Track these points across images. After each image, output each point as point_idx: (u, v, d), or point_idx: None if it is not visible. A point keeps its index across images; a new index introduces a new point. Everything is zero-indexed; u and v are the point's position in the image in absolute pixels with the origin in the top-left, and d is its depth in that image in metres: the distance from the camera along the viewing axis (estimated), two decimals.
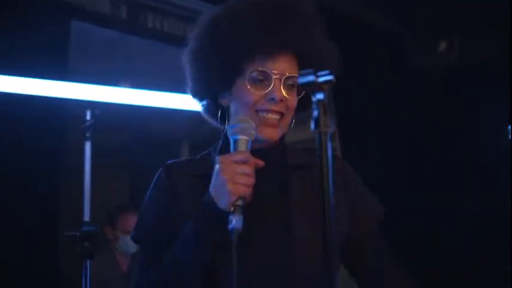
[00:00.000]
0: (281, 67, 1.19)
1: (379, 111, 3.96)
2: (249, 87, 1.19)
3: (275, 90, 1.18)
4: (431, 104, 4.25)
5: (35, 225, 2.41)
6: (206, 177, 1.17)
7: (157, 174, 1.29)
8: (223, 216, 1.08)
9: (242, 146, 1.13)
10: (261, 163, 1.14)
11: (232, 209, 1.06)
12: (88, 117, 2.19)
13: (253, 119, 1.18)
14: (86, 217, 2.15)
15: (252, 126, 1.15)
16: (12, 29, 2.48)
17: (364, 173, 1.36)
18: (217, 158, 1.13)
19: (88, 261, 2.15)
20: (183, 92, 2.65)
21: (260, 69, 1.18)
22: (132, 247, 3.52)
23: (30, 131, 2.44)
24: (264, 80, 1.19)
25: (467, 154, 3.69)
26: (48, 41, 2.52)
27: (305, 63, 1.18)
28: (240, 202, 1.07)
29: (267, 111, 1.19)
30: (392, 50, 4.54)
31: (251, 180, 1.10)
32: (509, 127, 2.97)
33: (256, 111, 1.19)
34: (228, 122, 1.23)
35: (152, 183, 1.29)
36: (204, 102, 1.32)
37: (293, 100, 1.22)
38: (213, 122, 1.34)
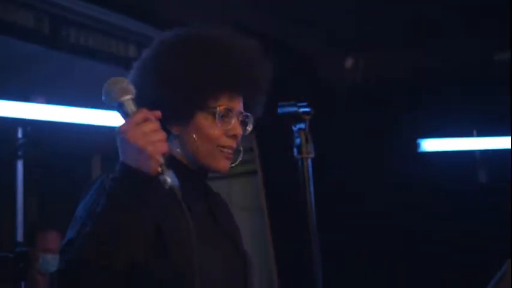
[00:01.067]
0: (238, 106, 1.28)
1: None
2: (215, 122, 1.24)
3: (237, 127, 1.26)
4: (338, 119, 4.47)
5: None
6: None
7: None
8: (150, 180, 1.06)
9: (132, 106, 1.07)
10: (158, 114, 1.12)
11: (160, 169, 1.04)
12: (20, 135, 2.14)
13: (213, 152, 1.25)
14: (19, 237, 2.10)
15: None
16: None
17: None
18: (117, 129, 1.07)
19: (22, 284, 2.10)
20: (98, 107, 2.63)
21: (227, 107, 1.25)
22: (52, 266, 3.44)
23: None
24: (226, 116, 1.25)
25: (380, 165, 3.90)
26: None
27: (246, 107, 1.30)
28: (162, 160, 1.04)
29: (228, 147, 1.25)
30: (303, 67, 4.75)
31: (163, 134, 1.07)
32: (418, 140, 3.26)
33: (217, 146, 1.25)
34: (185, 147, 1.26)
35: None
36: None
37: (240, 137, 1.30)
38: None
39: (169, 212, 1.17)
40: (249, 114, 1.29)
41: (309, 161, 0.96)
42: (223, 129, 1.25)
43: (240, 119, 1.29)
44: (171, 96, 1.24)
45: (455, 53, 4.15)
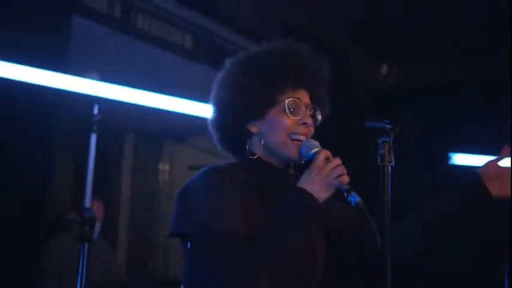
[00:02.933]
0: (305, 99, 1.52)
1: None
2: (285, 113, 1.47)
3: (306, 116, 1.49)
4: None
5: (24, 207, 2.54)
6: (252, 187, 1.45)
7: (213, 175, 1.44)
8: (317, 206, 1.38)
9: (322, 155, 1.41)
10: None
11: (347, 189, 1.34)
12: (95, 111, 2.36)
13: (286, 141, 1.47)
14: (87, 203, 2.32)
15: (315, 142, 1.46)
16: (13, 20, 2.59)
17: None
18: (315, 167, 1.40)
19: (86, 245, 2.33)
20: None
21: (294, 98, 1.48)
22: (96, 233, 3.68)
23: (25, 117, 2.57)
24: (295, 108, 1.49)
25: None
26: (49, 33, 2.65)
27: (313, 102, 1.53)
28: (347, 186, 1.35)
29: (300, 134, 1.48)
30: (338, 68, 4.90)
31: (345, 170, 1.38)
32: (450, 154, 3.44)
33: (288, 134, 1.48)
34: (262, 143, 1.49)
35: (211, 183, 1.42)
36: (222, 131, 1.56)
37: (313, 127, 1.53)
38: (226, 148, 1.59)
39: None
40: (316, 107, 1.52)
41: (389, 168, 1.17)
42: (294, 119, 1.48)
43: (309, 112, 1.51)
44: (244, 99, 1.48)
45: (490, 70, 4.31)
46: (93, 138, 2.34)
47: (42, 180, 2.67)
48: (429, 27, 4.29)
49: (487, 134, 3.81)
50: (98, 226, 3.69)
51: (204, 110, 3.10)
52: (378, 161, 1.20)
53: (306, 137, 1.49)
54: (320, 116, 1.54)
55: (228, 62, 1.57)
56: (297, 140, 1.47)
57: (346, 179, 1.37)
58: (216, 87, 1.56)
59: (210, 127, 1.58)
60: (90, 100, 2.36)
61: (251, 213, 1.40)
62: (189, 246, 1.43)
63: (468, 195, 1.48)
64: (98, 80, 2.50)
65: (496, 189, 1.47)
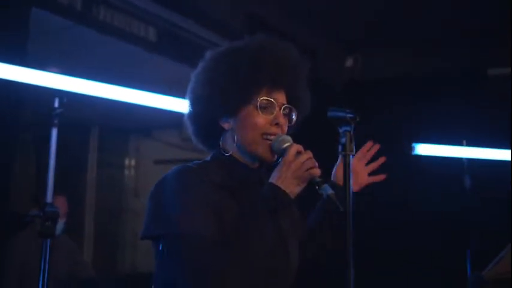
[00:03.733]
0: (280, 99, 1.50)
1: None
2: (258, 112, 1.46)
3: (279, 116, 1.48)
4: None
5: None
6: (224, 187, 1.44)
7: (185, 175, 1.42)
8: (289, 201, 1.38)
9: (293, 149, 1.40)
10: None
11: (318, 182, 1.34)
12: (56, 104, 2.31)
13: (257, 140, 1.46)
14: (49, 198, 2.28)
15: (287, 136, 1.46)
16: None
17: None
18: (285, 161, 1.39)
19: (49, 241, 2.29)
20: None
21: (267, 98, 1.47)
22: (58, 229, 3.61)
23: None
24: (269, 107, 1.47)
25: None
26: (9, 26, 2.58)
27: (290, 102, 1.52)
28: (318, 179, 1.35)
29: (272, 134, 1.46)
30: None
31: (316, 163, 1.38)
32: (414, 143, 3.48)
33: (261, 134, 1.46)
34: (235, 141, 1.48)
35: (183, 183, 1.40)
36: (196, 125, 1.54)
37: (286, 126, 1.51)
38: (200, 142, 1.57)
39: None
40: (291, 106, 1.50)
41: (351, 157, 1.18)
42: (267, 119, 1.46)
43: (283, 111, 1.49)
44: (218, 95, 1.46)
45: (454, 63, 4.39)
46: (54, 132, 2.30)
47: (3, 177, 2.61)
48: (394, 20, 4.34)
49: (450, 124, 3.89)
50: (61, 222, 3.63)
51: (169, 104, 3.10)
52: (339, 150, 1.20)
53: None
54: (295, 116, 1.52)
55: (207, 55, 1.54)
56: (268, 139, 1.46)
57: (317, 171, 1.36)
58: (192, 80, 1.54)
59: (185, 119, 1.56)
60: (50, 93, 2.31)
61: (224, 213, 1.39)
62: (160, 248, 1.42)
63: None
64: (58, 73, 2.45)
65: (355, 185, 1.67)
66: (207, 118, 1.50)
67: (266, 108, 1.46)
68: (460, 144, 3.53)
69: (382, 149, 4.20)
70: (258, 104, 1.45)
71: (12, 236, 3.44)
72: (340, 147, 1.20)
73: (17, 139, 2.79)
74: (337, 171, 1.66)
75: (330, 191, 1.30)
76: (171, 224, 1.36)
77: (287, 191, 1.37)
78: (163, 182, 1.43)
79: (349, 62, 5.22)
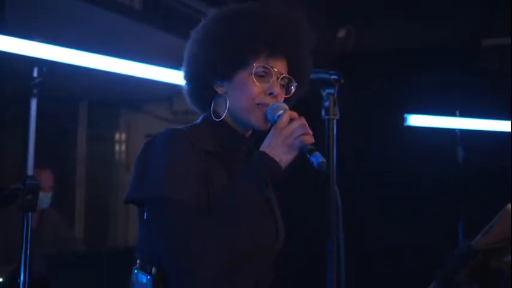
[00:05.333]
0: (279, 68, 1.41)
1: None
2: (253, 80, 1.38)
3: (274, 86, 1.40)
4: None
5: None
6: (213, 153, 1.38)
7: (173, 138, 1.36)
8: (278, 170, 1.32)
9: (285, 116, 1.34)
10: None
11: (310, 150, 1.28)
12: (35, 74, 2.23)
13: (251, 108, 1.39)
14: (30, 171, 2.22)
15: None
16: None
17: None
18: (276, 128, 1.34)
19: (30, 214, 2.23)
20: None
21: (264, 65, 1.39)
22: (43, 203, 3.57)
23: None
24: (265, 76, 1.39)
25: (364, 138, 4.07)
26: None
27: (290, 72, 1.44)
28: (310, 146, 1.29)
29: (265, 104, 1.39)
30: None
31: (309, 130, 1.32)
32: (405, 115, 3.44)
33: (255, 103, 1.40)
34: (226, 107, 1.41)
35: (171, 147, 1.35)
36: (190, 85, 1.49)
37: (283, 98, 1.44)
38: (192, 103, 1.52)
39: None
40: (290, 77, 1.43)
41: (334, 121, 1.11)
42: (262, 87, 1.39)
43: (281, 81, 1.42)
44: (213, 56, 1.39)
45: (447, 33, 4.31)
46: (34, 102, 2.23)
47: None
48: None
49: (441, 95, 3.83)
50: (47, 196, 3.58)
51: (157, 75, 3.03)
52: (323, 115, 1.13)
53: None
54: (294, 88, 1.45)
55: (209, 14, 1.47)
56: (262, 108, 1.40)
57: (309, 138, 1.30)
58: (191, 37, 1.48)
59: (182, 78, 1.51)
60: (29, 62, 2.23)
61: (212, 180, 1.34)
62: (145, 216, 1.37)
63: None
64: (39, 41, 2.37)
65: None
66: (201, 79, 1.45)
67: (262, 76, 1.40)
68: (453, 114, 3.48)
69: (373, 120, 4.17)
70: (254, 71, 1.38)
71: None
72: (323, 111, 1.13)
73: None
74: None
75: (322, 159, 1.23)
76: (154, 187, 1.31)
77: (276, 159, 1.32)
78: (151, 144, 1.37)
79: (341, 33, 5.12)
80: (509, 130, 3.19)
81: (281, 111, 1.35)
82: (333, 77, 1.14)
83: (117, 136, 6.03)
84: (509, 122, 3.21)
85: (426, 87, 3.95)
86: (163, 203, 1.29)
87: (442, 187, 3.79)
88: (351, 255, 1.29)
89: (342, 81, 1.13)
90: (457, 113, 3.49)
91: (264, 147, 1.34)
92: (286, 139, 1.31)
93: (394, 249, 3.95)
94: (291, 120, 1.33)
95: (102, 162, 5.87)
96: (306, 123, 1.31)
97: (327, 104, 1.12)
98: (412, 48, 4.38)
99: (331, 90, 1.13)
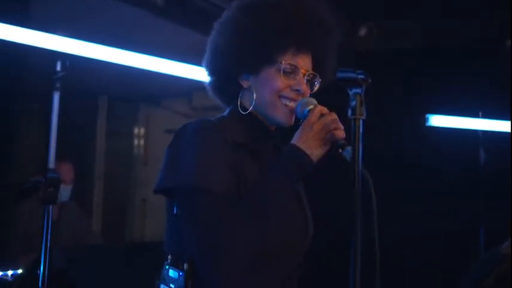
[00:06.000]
0: (305, 64, 1.41)
1: None
2: (280, 76, 1.38)
3: (302, 84, 1.39)
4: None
5: None
6: (242, 145, 1.37)
7: (205, 129, 1.36)
8: (309, 164, 1.31)
9: (316, 111, 1.34)
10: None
11: (342, 145, 1.27)
12: (58, 68, 2.24)
13: (275, 102, 1.39)
14: (51, 165, 2.23)
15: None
16: None
17: None
18: (308, 122, 1.34)
19: (50, 207, 2.24)
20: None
21: (292, 62, 1.38)
22: (63, 196, 3.59)
23: None
24: (292, 72, 1.39)
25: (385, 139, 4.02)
26: None
27: (315, 69, 1.43)
28: (342, 141, 1.28)
29: (291, 99, 1.39)
30: None
31: (341, 125, 1.31)
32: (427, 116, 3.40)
33: (279, 97, 1.39)
34: (253, 101, 1.40)
35: (203, 137, 1.34)
36: (214, 78, 1.48)
37: (308, 94, 1.44)
38: (216, 96, 1.51)
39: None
40: (316, 74, 1.42)
41: (361, 121, 1.10)
42: (288, 83, 1.38)
43: (307, 77, 1.41)
44: (240, 50, 1.38)
45: (471, 33, 4.25)
46: (56, 96, 2.23)
47: (5, 144, 2.55)
48: None
49: (464, 96, 3.78)
50: (67, 189, 3.61)
51: (178, 70, 3.02)
52: (349, 114, 1.12)
53: (293, 101, 1.41)
54: (318, 84, 1.44)
55: (234, 4, 1.45)
56: (287, 103, 1.39)
57: (341, 133, 1.29)
58: (215, 28, 1.46)
59: (203, 69, 1.50)
60: (52, 56, 2.23)
61: (243, 172, 1.33)
62: (175, 210, 1.36)
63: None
64: (62, 35, 2.37)
65: None
66: (226, 73, 1.44)
67: (289, 72, 1.39)
68: (475, 116, 3.43)
69: (395, 120, 4.13)
70: (282, 68, 1.38)
71: (17, 203, 3.42)
72: (349, 111, 1.11)
73: (18, 105, 2.73)
74: None
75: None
76: (185, 177, 1.30)
77: (308, 152, 1.31)
78: (182, 134, 1.37)
79: (362, 31, 5.08)
80: None
81: (311, 106, 1.35)
82: (360, 76, 1.13)
83: (136, 131, 6.06)
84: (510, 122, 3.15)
85: (449, 88, 3.90)
86: (194, 193, 1.28)
87: (463, 189, 3.75)
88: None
89: (369, 81, 1.11)
90: (480, 114, 3.43)
91: (296, 140, 1.33)
92: (318, 133, 1.31)
93: (414, 253, 3.91)
94: (322, 115, 1.33)
95: (121, 156, 5.90)
96: (337, 117, 1.31)
97: (353, 103, 1.10)
98: (435, 48, 4.33)
99: (358, 90, 1.12)
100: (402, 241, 3.91)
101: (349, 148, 1.23)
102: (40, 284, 2.17)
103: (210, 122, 1.38)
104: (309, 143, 1.31)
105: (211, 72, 1.48)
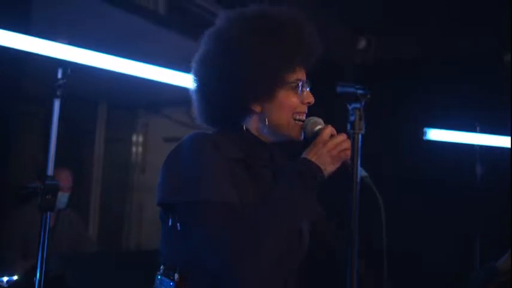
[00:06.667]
0: (304, 75, 1.45)
1: None
2: (292, 93, 1.41)
3: (310, 96, 1.44)
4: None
5: None
6: (239, 160, 1.38)
7: (203, 143, 1.36)
8: (322, 178, 1.35)
9: (328, 130, 1.39)
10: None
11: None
12: (59, 75, 2.25)
13: (290, 122, 1.41)
14: (50, 171, 2.23)
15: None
16: None
17: None
18: (321, 140, 1.37)
19: (48, 214, 2.24)
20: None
21: (300, 79, 1.42)
22: (61, 203, 3.60)
23: None
24: (298, 86, 1.42)
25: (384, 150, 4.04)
26: None
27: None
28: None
29: (303, 113, 1.43)
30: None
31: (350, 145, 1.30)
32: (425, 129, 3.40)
33: (292, 114, 1.42)
34: (265, 124, 1.42)
35: (202, 151, 1.34)
36: (216, 105, 1.43)
37: None
38: (207, 118, 1.47)
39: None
40: (309, 81, 1.46)
41: (360, 136, 1.11)
42: (299, 99, 1.42)
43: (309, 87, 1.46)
44: (252, 80, 1.36)
45: (469, 47, 4.28)
46: (57, 103, 2.24)
47: (5, 150, 2.56)
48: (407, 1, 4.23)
49: (463, 109, 3.79)
50: (65, 196, 3.61)
51: (177, 79, 3.04)
52: (348, 128, 1.13)
53: (304, 115, 1.45)
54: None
55: (225, 21, 1.42)
56: (300, 121, 1.43)
57: (350, 153, 1.30)
58: (209, 50, 1.41)
59: (194, 95, 1.46)
60: (53, 64, 2.24)
61: (238, 186, 1.34)
62: (170, 222, 1.37)
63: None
64: (62, 42, 2.38)
65: None
66: (234, 100, 1.40)
67: (296, 87, 1.42)
68: (473, 130, 3.44)
69: (393, 133, 4.13)
70: (299, 86, 1.42)
71: (14, 208, 3.42)
72: (349, 126, 1.13)
73: (17, 110, 2.74)
74: None
75: (364, 173, 1.29)
76: (192, 191, 1.30)
77: (322, 167, 1.35)
78: (180, 148, 1.37)
79: (361, 44, 5.10)
80: None
81: (320, 126, 1.41)
82: (359, 91, 1.14)
83: (134, 138, 6.06)
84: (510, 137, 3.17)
85: (447, 101, 3.91)
86: (201, 206, 1.29)
87: (459, 203, 3.76)
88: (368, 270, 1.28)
89: (369, 96, 1.12)
90: (477, 128, 3.44)
91: (310, 155, 1.36)
92: (331, 151, 1.35)
93: (408, 264, 3.91)
94: (332, 135, 1.38)
95: (119, 163, 5.90)
96: (347, 138, 1.34)
97: (352, 118, 1.12)
98: (433, 61, 4.36)
99: (358, 105, 1.13)
100: (399, 253, 3.91)
101: (359, 168, 1.25)
102: None
103: (205, 135, 1.39)
104: (322, 159, 1.35)
105: (208, 101, 1.44)
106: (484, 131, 3.49)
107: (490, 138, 3.50)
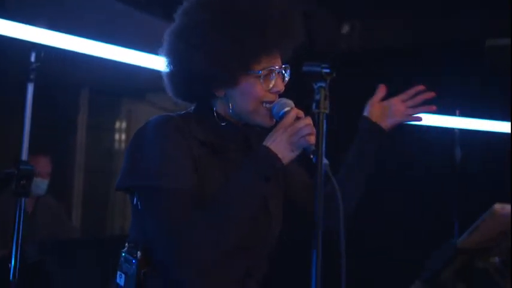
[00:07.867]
0: (277, 61, 1.40)
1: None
2: (259, 82, 1.36)
3: (279, 84, 1.39)
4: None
5: None
6: (206, 143, 1.36)
7: (165, 126, 1.34)
8: (280, 167, 1.32)
9: (292, 113, 1.35)
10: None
11: (313, 150, 1.27)
12: (33, 59, 2.22)
13: (257, 109, 1.38)
14: (24, 156, 2.21)
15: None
16: None
17: None
18: (282, 125, 1.35)
19: (23, 200, 2.23)
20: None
21: (267, 68, 1.36)
22: (40, 189, 3.57)
23: None
24: (268, 75, 1.38)
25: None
26: None
27: (283, 60, 1.42)
28: (313, 147, 1.29)
29: (272, 102, 1.39)
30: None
31: (314, 130, 1.30)
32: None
33: (261, 102, 1.38)
34: (229, 109, 1.39)
35: (162, 134, 1.33)
36: (181, 81, 1.41)
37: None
38: (180, 96, 1.47)
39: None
40: (287, 65, 1.41)
41: (324, 115, 1.10)
42: (267, 87, 1.37)
43: (280, 72, 1.40)
44: (215, 66, 1.34)
45: (450, 32, 4.28)
46: (30, 87, 2.21)
47: None
48: None
49: (444, 94, 3.80)
50: (44, 182, 3.58)
51: (159, 64, 3.02)
52: (313, 108, 1.12)
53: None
54: (289, 74, 1.43)
55: (192, 6, 1.39)
56: (270, 103, 1.39)
57: (313, 139, 1.30)
58: (177, 34, 1.38)
59: (166, 79, 1.45)
60: (27, 47, 2.21)
61: (203, 169, 1.33)
62: (135, 201, 1.37)
63: (364, 133, 1.57)
64: (42, 27, 2.35)
65: (384, 122, 1.61)
66: (198, 86, 1.40)
67: (266, 75, 1.37)
68: (453, 114, 3.46)
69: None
70: (261, 76, 1.36)
71: None
72: (313, 105, 1.12)
73: None
74: (373, 107, 1.61)
75: (325, 161, 1.23)
76: (148, 175, 1.30)
77: (279, 155, 1.32)
78: (143, 131, 1.36)
79: (345, 29, 5.07)
80: (509, 131, 3.17)
81: (287, 108, 1.36)
82: (324, 70, 1.13)
83: (117, 125, 6.02)
84: (509, 123, 3.19)
85: (427, 86, 3.91)
86: (155, 192, 1.29)
87: (438, 186, 3.78)
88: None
89: (334, 74, 1.11)
90: (457, 112, 3.46)
91: (268, 142, 1.34)
92: (291, 137, 1.32)
93: (387, 248, 3.94)
94: (297, 118, 1.34)
95: (102, 150, 5.87)
96: (311, 122, 1.31)
97: (317, 97, 1.11)
98: (413, 46, 4.36)
99: (323, 84, 1.12)
100: (374, 235, 3.94)
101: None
102: (11, 277, 2.16)
103: (170, 118, 1.37)
104: (281, 146, 1.32)
105: (178, 83, 1.43)
106: (464, 115, 3.51)
107: (469, 122, 3.52)
